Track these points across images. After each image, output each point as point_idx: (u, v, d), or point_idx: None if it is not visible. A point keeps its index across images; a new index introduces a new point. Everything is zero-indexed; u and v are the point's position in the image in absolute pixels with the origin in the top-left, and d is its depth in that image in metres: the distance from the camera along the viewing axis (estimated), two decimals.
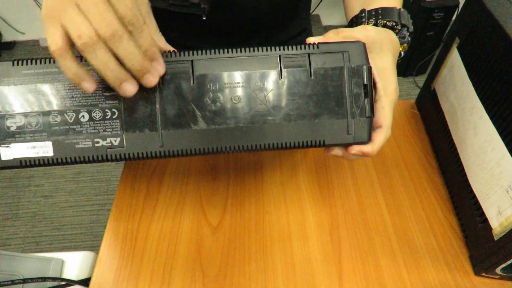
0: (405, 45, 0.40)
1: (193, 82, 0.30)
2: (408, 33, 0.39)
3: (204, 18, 0.30)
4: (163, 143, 0.30)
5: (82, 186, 1.48)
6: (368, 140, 0.32)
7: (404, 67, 1.76)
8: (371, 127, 0.32)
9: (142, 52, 0.26)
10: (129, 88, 0.27)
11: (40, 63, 0.29)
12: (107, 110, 0.30)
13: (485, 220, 0.42)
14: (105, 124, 0.30)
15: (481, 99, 0.43)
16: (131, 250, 0.48)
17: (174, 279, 0.45)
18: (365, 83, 0.31)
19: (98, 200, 1.43)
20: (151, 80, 0.28)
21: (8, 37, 2.19)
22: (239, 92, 0.30)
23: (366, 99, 0.31)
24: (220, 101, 0.30)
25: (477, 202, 0.44)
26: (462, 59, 0.48)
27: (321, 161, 0.57)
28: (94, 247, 1.28)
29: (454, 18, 1.54)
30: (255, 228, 0.49)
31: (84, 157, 0.29)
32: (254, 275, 0.45)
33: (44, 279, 0.50)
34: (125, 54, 0.26)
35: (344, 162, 0.57)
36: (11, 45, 2.17)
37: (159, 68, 0.28)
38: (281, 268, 0.46)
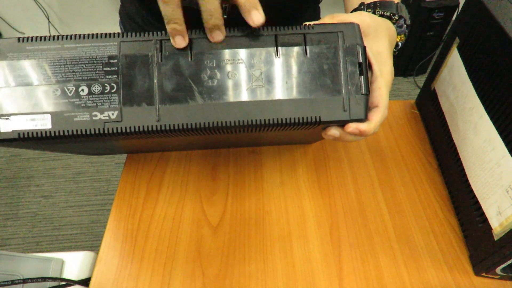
0: (402, 35, 0.40)
1: (191, 59, 0.31)
2: (405, 24, 0.39)
3: (225, 16, 0.31)
4: (160, 117, 0.30)
5: (82, 186, 1.48)
6: (365, 117, 0.32)
7: (404, 67, 1.76)
8: (367, 105, 0.32)
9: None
10: (217, 36, 0.30)
11: (44, 40, 0.30)
12: (106, 84, 0.30)
13: (485, 220, 0.42)
14: (103, 98, 0.30)
15: (481, 99, 0.43)
16: (131, 250, 0.48)
17: (174, 279, 0.45)
18: (360, 61, 0.31)
19: (98, 200, 1.43)
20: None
21: (8, 37, 2.18)
22: (236, 68, 0.31)
23: (361, 77, 0.31)
24: (217, 77, 0.30)
25: (477, 202, 0.44)
26: (462, 59, 0.48)
27: (321, 161, 0.57)
28: (94, 247, 1.28)
29: (454, 18, 1.54)
30: (255, 228, 0.49)
31: (81, 130, 0.29)
32: (254, 275, 0.45)
33: (44, 279, 0.50)
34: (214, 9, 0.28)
35: (344, 162, 0.57)
36: None
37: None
38: (281, 268, 0.46)
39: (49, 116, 0.30)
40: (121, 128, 0.30)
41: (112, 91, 0.30)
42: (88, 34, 0.31)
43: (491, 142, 0.41)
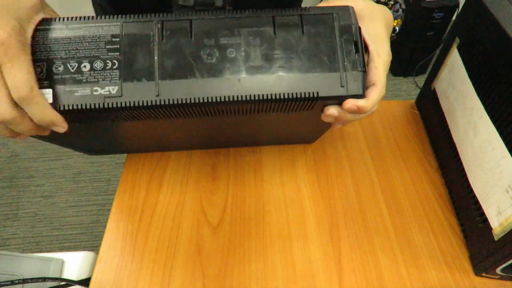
0: (398, 20, 0.41)
1: (191, 38, 0.31)
2: (401, 9, 0.41)
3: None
4: (160, 92, 0.31)
5: (82, 186, 1.48)
6: (362, 93, 0.32)
7: (404, 67, 1.76)
8: (365, 82, 0.33)
9: (37, 126, 0.30)
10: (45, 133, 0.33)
11: (49, 21, 0.31)
12: (108, 61, 0.31)
13: (485, 220, 0.42)
14: (104, 74, 0.31)
15: (481, 99, 0.43)
16: (131, 250, 0.48)
17: (174, 279, 0.45)
18: (355, 39, 0.32)
19: (98, 200, 1.43)
20: (45, 133, 0.33)
21: None
22: (234, 47, 0.32)
23: (357, 54, 0.32)
24: (215, 55, 0.31)
25: (477, 202, 0.44)
26: (462, 59, 0.48)
27: (321, 161, 0.57)
28: (94, 247, 1.28)
29: (454, 18, 1.54)
30: (255, 228, 0.49)
31: (81, 105, 0.30)
32: (254, 275, 0.45)
33: (44, 279, 0.50)
34: (22, 131, 0.30)
35: (344, 162, 0.57)
36: None
37: (61, 129, 0.31)
38: (281, 268, 0.46)
39: (50, 91, 0.30)
40: (121, 102, 0.30)
41: (114, 67, 0.31)
42: (93, 16, 0.32)
43: (491, 142, 0.41)
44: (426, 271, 0.45)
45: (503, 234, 0.38)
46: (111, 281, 0.45)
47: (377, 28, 0.35)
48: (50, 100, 0.30)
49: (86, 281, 0.53)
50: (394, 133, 0.61)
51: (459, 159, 0.48)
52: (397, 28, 0.37)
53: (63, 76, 0.31)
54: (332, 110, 0.34)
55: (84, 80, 0.31)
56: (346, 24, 0.33)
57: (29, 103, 0.28)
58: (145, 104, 0.30)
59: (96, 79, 0.31)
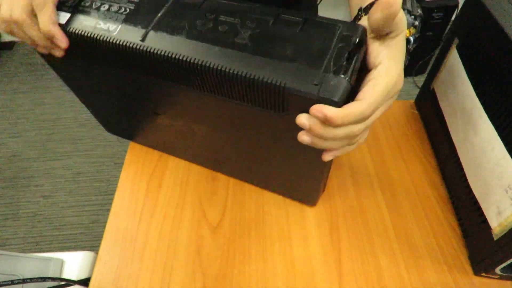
0: (411, 28, 0.37)
1: (198, 9, 0.35)
2: (413, 15, 0.37)
3: None
4: (146, 39, 0.34)
5: (82, 186, 1.48)
6: (338, 100, 0.27)
7: (404, 67, 1.76)
8: (347, 92, 0.28)
9: (42, 34, 0.37)
10: (56, 53, 0.39)
11: None
12: (122, 7, 0.36)
13: (484, 220, 0.42)
14: (114, 15, 0.36)
15: (480, 99, 0.43)
16: (131, 250, 0.48)
17: (174, 279, 0.45)
18: (351, 49, 0.29)
19: (98, 200, 1.43)
20: (57, 54, 0.39)
21: (8, 37, 2.18)
22: (229, 25, 0.33)
23: (347, 62, 0.29)
24: (209, 25, 0.33)
25: (476, 202, 0.44)
26: (462, 59, 0.48)
27: None
28: (94, 247, 1.28)
29: (453, 18, 1.54)
30: (255, 228, 0.50)
31: (82, 31, 0.36)
32: (254, 275, 0.45)
33: (44, 279, 0.50)
34: (31, 36, 0.37)
35: (344, 162, 0.57)
36: (10, 45, 2.17)
37: (61, 43, 0.37)
38: (281, 268, 0.46)
39: (68, 15, 0.37)
40: (111, 38, 0.35)
41: (124, 12, 0.36)
42: None
43: (491, 142, 0.41)
44: (426, 271, 0.45)
45: (502, 234, 0.38)
46: (111, 281, 0.45)
47: (395, 51, 0.31)
48: (63, 21, 0.37)
49: (86, 281, 0.53)
50: (394, 133, 0.61)
51: (459, 159, 0.48)
52: (410, 38, 0.35)
53: (85, 9, 0.37)
54: (302, 118, 0.29)
55: (96, 16, 0.36)
56: (348, 35, 0.30)
57: (38, 11, 0.35)
58: (129, 45, 0.34)
59: (105, 17, 0.36)
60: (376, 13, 0.27)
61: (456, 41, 0.50)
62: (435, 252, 0.47)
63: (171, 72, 0.35)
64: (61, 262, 0.58)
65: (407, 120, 0.63)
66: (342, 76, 0.28)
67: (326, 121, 0.27)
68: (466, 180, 0.46)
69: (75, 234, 1.34)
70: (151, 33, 0.34)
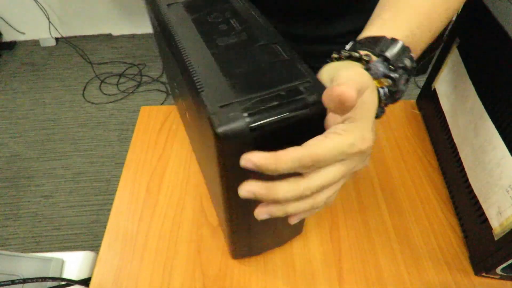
0: (384, 80, 0.32)
1: (215, 8, 0.38)
2: (391, 65, 0.31)
3: None
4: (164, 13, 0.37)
5: (82, 186, 1.48)
6: (219, 132, 0.25)
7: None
8: (239, 131, 0.25)
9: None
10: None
11: None
12: None
13: (485, 220, 0.42)
14: None
15: (481, 98, 0.43)
16: (131, 250, 0.48)
17: (174, 279, 0.45)
18: (281, 103, 0.27)
19: (98, 200, 1.43)
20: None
21: (8, 37, 2.19)
22: (229, 25, 0.36)
23: (265, 109, 0.26)
24: (216, 20, 0.36)
25: (477, 202, 0.44)
26: (462, 59, 0.48)
27: None
28: (94, 247, 1.28)
29: (454, 18, 1.54)
30: None
31: None
32: (254, 275, 0.45)
33: (44, 279, 0.50)
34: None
35: None
36: (11, 45, 2.17)
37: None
38: (281, 268, 0.46)
39: None
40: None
41: None
42: None
43: (491, 142, 0.41)
44: (426, 271, 0.45)
45: (503, 234, 0.38)
46: (111, 281, 0.45)
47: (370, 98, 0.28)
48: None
49: (86, 281, 0.53)
50: (394, 133, 0.61)
51: (460, 159, 0.48)
52: (381, 90, 0.35)
53: None
54: (246, 187, 0.25)
55: None
56: (300, 90, 0.28)
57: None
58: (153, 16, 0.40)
59: None
60: (328, 104, 0.25)
61: (457, 41, 0.50)
62: (435, 252, 0.47)
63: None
64: (62, 262, 0.58)
65: (408, 120, 0.63)
66: (246, 115, 0.25)
67: (258, 168, 0.24)
68: (466, 180, 0.46)
69: (75, 234, 1.34)
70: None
